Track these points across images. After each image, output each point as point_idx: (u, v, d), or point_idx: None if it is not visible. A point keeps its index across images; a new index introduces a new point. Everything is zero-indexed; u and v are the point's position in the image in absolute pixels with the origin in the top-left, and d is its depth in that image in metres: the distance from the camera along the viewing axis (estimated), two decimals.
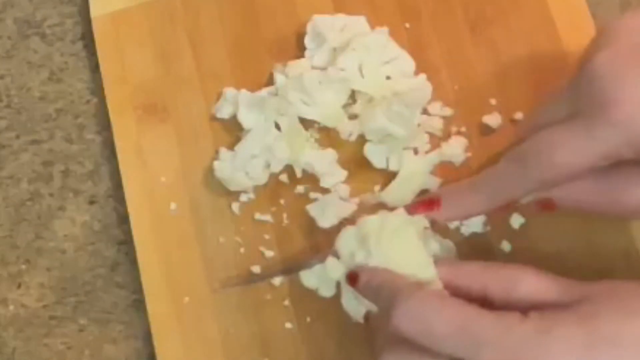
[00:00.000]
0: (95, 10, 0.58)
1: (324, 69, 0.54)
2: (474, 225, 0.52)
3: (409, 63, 0.55)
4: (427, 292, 0.44)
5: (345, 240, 0.49)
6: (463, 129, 0.54)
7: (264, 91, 0.55)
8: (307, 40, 0.55)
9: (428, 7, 0.56)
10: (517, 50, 0.55)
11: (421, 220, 0.49)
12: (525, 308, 0.43)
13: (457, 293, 0.45)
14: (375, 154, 0.54)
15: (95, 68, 0.59)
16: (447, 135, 0.54)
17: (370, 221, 0.48)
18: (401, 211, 0.49)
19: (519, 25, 0.55)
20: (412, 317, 0.42)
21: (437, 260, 0.47)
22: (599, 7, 0.55)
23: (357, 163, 0.54)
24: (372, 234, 0.47)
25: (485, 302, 0.44)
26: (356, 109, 0.54)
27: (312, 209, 0.53)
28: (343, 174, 0.54)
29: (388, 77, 0.54)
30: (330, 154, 0.54)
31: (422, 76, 0.54)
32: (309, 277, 0.52)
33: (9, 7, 0.61)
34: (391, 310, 0.43)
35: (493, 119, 0.54)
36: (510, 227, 0.52)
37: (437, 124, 0.54)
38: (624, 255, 0.51)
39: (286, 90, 0.53)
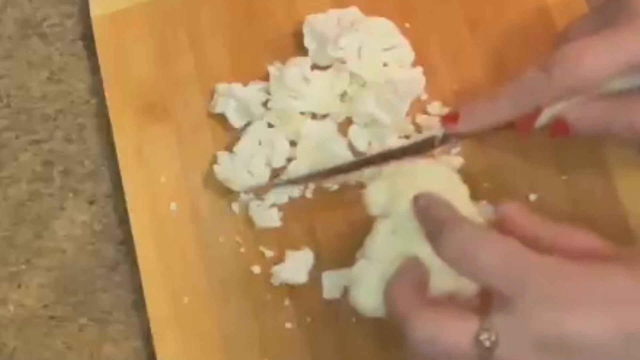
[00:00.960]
0: (95, 10, 0.58)
1: (327, 67, 0.55)
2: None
3: (408, 54, 0.55)
4: (476, 225, 0.44)
5: (375, 195, 0.48)
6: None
7: (253, 85, 0.55)
8: (307, 42, 0.55)
9: (428, 7, 0.56)
10: (517, 49, 0.55)
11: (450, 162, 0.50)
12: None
13: (521, 234, 0.44)
14: (358, 137, 0.54)
15: (95, 68, 0.59)
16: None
17: (400, 173, 0.48)
18: (427, 161, 0.51)
19: (519, 25, 0.55)
20: (459, 244, 0.42)
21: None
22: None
23: None
24: (406, 184, 0.47)
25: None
26: (349, 91, 0.54)
27: None
28: (344, 141, 0.54)
29: (385, 64, 0.54)
30: (330, 124, 0.54)
31: (419, 68, 0.54)
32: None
33: (9, 7, 0.61)
34: (438, 236, 0.43)
35: None
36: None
37: (437, 124, 0.54)
38: None
39: (274, 88, 0.54)
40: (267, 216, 0.53)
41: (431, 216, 0.45)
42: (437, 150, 0.53)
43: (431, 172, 0.48)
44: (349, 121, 0.55)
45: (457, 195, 0.47)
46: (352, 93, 0.54)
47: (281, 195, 0.54)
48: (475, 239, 0.42)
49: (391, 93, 0.53)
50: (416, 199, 0.46)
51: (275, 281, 0.53)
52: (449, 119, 0.52)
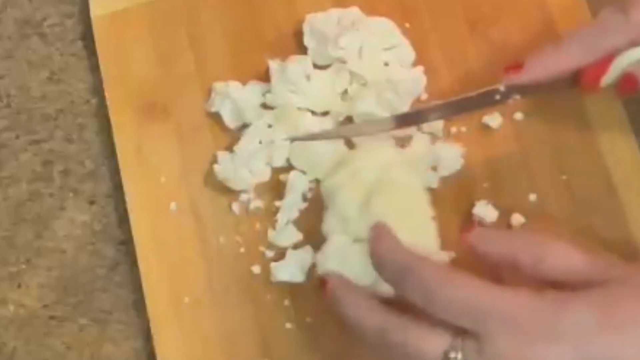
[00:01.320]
0: (95, 10, 0.58)
1: (326, 67, 0.55)
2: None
3: (409, 53, 0.55)
4: (434, 265, 0.44)
5: (342, 197, 0.49)
6: (463, 129, 0.54)
7: (251, 85, 0.55)
8: (307, 41, 0.55)
9: (428, 7, 0.56)
10: (517, 49, 0.55)
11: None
12: (552, 279, 0.43)
13: (487, 259, 0.46)
14: (361, 139, 0.54)
15: (95, 68, 0.59)
16: (447, 135, 0.54)
17: (367, 170, 0.49)
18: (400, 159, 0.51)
19: (519, 25, 0.55)
20: (423, 290, 0.43)
21: (469, 226, 0.48)
22: (599, 7, 0.55)
23: None
24: (371, 187, 0.48)
25: (514, 270, 0.44)
26: (349, 90, 0.54)
27: None
28: (340, 142, 0.54)
29: (386, 64, 0.54)
30: (329, 120, 0.54)
31: (420, 68, 0.54)
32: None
33: (9, 7, 0.61)
34: (402, 283, 0.44)
35: (493, 119, 0.54)
36: (510, 227, 0.52)
37: (437, 124, 0.54)
38: (623, 255, 0.51)
39: (275, 82, 0.54)
40: (287, 235, 0.53)
41: (390, 264, 0.45)
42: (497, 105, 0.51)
43: (403, 181, 0.49)
44: (349, 121, 0.54)
45: (422, 215, 0.48)
46: (353, 92, 0.54)
47: (292, 211, 0.54)
48: (436, 284, 0.43)
49: (392, 92, 0.53)
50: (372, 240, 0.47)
51: (273, 279, 0.53)
52: (512, 68, 0.49)
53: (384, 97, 0.53)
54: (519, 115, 0.54)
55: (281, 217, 0.54)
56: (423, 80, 0.54)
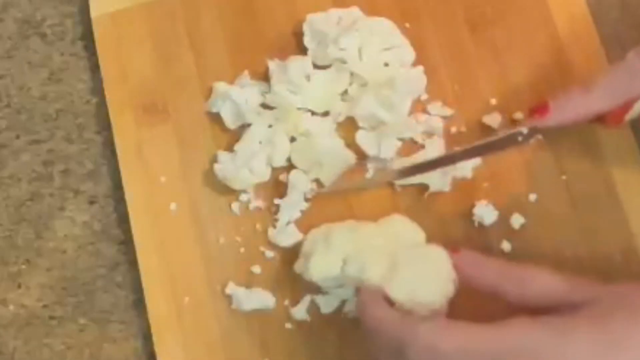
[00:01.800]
0: (95, 10, 0.58)
1: (326, 67, 0.55)
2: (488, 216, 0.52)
3: (409, 53, 0.55)
4: (427, 331, 0.44)
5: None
6: (463, 129, 0.54)
7: (249, 86, 0.55)
8: (307, 41, 0.55)
9: (428, 7, 0.56)
10: (517, 50, 0.55)
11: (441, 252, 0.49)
12: (536, 305, 0.44)
13: (473, 281, 0.47)
14: (366, 141, 0.54)
15: (95, 68, 0.59)
16: (447, 135, 0.54)
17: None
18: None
19: (519, 25, 0.55)
20: (421, 348, 0.43)
21: (455, 248, 0.48)
22: (599, 7, 0.55)
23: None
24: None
25: (494, 297, 0.46)
26: (350, 91, 0.54)
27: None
28: (340, 141, 0.54)
29: (386, 64, 0.54)
30: (329, 120, 0.54)
31: (420, 68, 0.54)
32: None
33: (9, 7, 0.61)
34: (403, 349, 0.44)
35: (493, 119, 0.54)
36: (510, 227, 0.52)
37: (437, 124, 0.54)
38: (623, 255, 0.51)
39: (275, 82, 0.54)
40: (288, 234, 0.53)
41: (384, 335, 0.46)
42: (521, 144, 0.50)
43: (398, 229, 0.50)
44: (349, 121, 0.54)
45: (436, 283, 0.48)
46: (353, 92, 0.54)
47: (294, 211, 0.54)
48: (432, 338, 0.43)
49: (392, 92, 0.53)
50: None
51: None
52: (539, 112, 0.49)
53: (384, 97, 0.53)
54: (519, 116, 0.54)
55: (282, 217, 0.54)
56: (424, 79, 0.54)
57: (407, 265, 0.47)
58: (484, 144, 0.51)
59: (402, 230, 0.50)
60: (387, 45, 0.55)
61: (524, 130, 0.50)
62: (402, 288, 0.47)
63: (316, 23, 0.55)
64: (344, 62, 0.54)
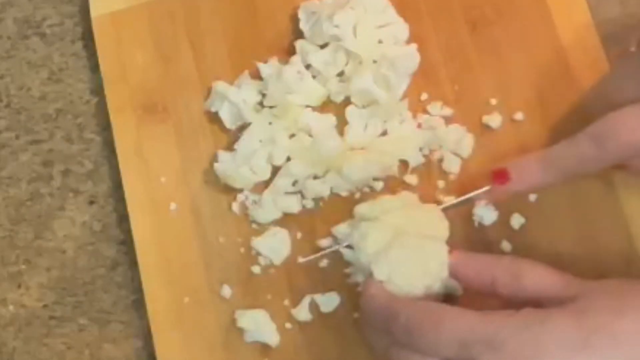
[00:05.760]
0: (95, 10, 0.58)
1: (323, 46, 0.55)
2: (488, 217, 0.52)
3: (403, 30, 0.55)
4: (417, 307, 0.45)
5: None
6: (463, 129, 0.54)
7: (247, 86, 0.55)
8: (302, 24, 0.55)
9: (428, 7, 0.56)
10: (517, 50, 0.55)
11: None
12: (528, 300, 0.44)
13: (469, 281, 0.48)
14: (355, 117, 0.54)
15: (95, 68, 0.59)
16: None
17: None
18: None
19: (519, 25, 0.55)
20: (404, 332, 0.45)
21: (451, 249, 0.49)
22: (599, 7, 0.55)
23: None
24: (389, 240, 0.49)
25: (491, 294, 0.46)
26: (346, 71, 0.54)
27: None
28: (339, 140, 0.54)
29: (380, 41, 0.54)
30: (329, 117, 0.54)
31: (413, 45, 0.54)
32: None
33: (9, 7, 0.61)
34: (389, 329, 0.45)
35: (493, 119, 0.54)
36: (510, 227, 0.52)
37: (437, 124, 0.54)
38: (623, 255, 0.51)
39: (268, 83, 0.54)
40: (266, 211, 0.54)
41: (379, 312, 0.46)
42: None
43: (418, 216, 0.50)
44: (348, 101, 0.55)
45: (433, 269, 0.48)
46: (349, 72, 0.54)
47: (279, 193, 0.54)
48: (418, 329, 0.44)
49: (388, 69, 0.53)
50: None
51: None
52: (501, 177, 0.50)
53: (381, 75, 0.53)
54: (519, 115, 0.54)
55: (267, 194, 0.54)
56: (417, 57, 0.54)
57: (398, 249, 0.48)
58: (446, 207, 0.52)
59: (428, 221, 0.50)
60: (381, 22, 0.54)
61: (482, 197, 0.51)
62: (385, 269, 0.47)
63: (310, 6, 0.55)
64: (338, 40, 0.54)
